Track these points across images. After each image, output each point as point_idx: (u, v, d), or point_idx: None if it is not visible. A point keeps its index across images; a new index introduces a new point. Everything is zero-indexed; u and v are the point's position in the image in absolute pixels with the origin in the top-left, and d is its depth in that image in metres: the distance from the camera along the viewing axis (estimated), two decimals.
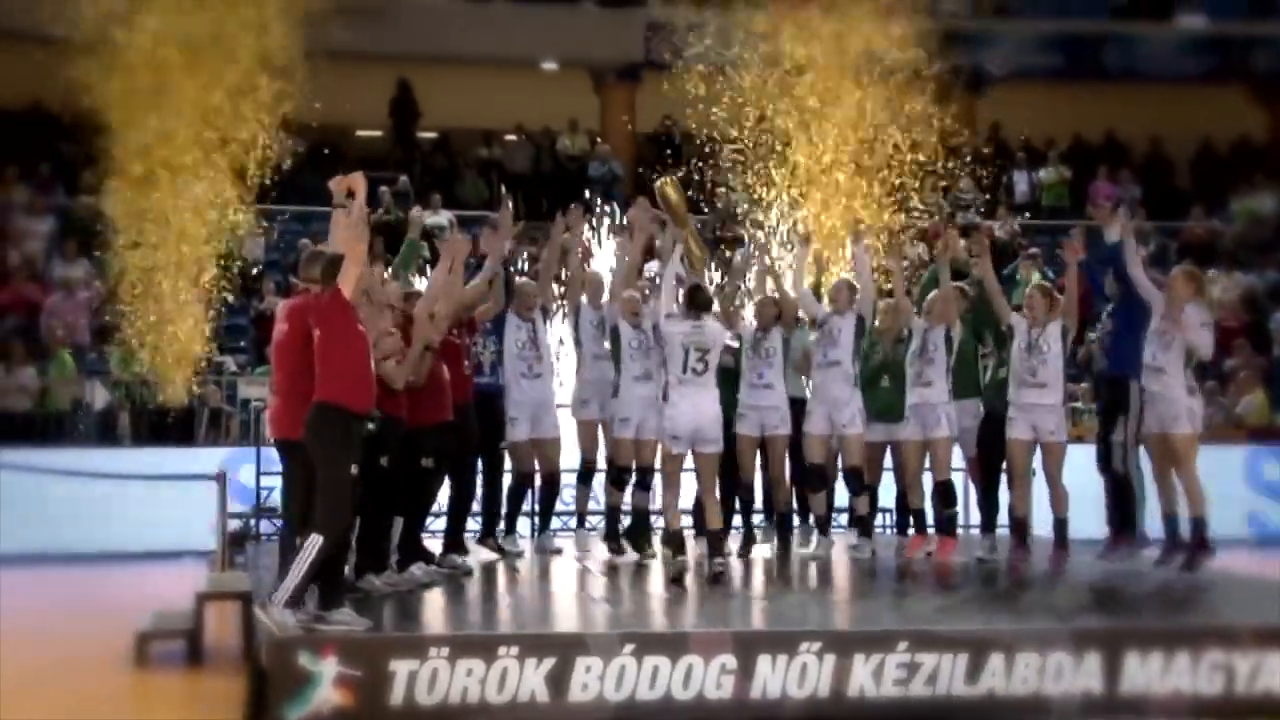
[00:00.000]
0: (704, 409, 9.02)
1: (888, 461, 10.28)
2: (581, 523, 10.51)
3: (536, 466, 10.16)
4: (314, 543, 6.84)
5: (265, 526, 11.75)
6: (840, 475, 10.32)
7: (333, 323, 7.00)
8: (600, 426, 10.16)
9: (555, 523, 10.86)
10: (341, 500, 6.97)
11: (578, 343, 10.24)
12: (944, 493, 9.94)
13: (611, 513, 10.13)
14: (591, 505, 10.67)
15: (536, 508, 10.64)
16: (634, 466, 9.82)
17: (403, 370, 8.08)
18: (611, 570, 9.56)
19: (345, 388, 6.97)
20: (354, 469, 6.97)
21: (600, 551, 10.08)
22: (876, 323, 10.15)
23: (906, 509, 10.33)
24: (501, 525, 10.22)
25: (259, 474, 11.66)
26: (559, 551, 10.33)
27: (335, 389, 6.95)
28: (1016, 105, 20.41)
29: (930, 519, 10.09)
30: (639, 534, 9.99)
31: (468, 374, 9.32)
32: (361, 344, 7.12)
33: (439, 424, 8.58)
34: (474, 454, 9.65)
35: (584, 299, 10.25)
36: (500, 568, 9.76)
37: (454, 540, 9.50)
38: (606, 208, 15.87)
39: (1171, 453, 9.14)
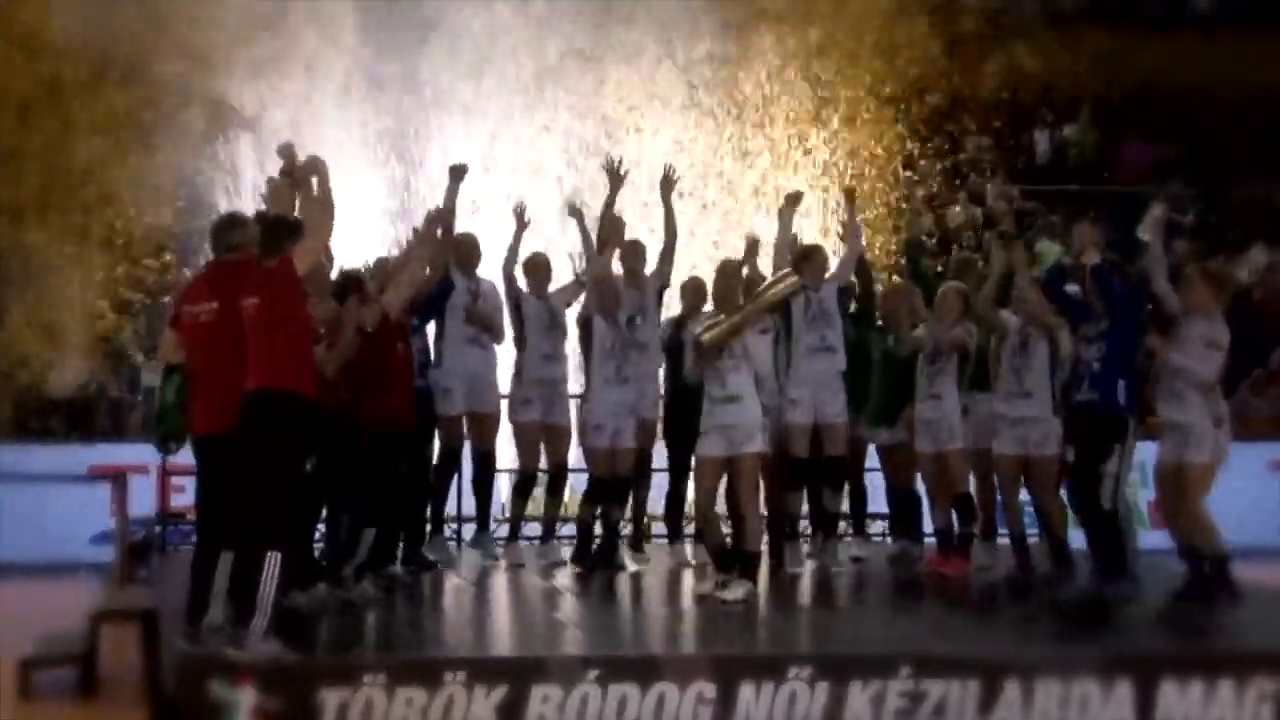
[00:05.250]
0: None
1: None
2: (515, 535, 10.59)
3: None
4: (272, 561, 6.88)
5: (172, 535, 11.73)
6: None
7: (282, 296, 7.00)
8: (543, 432, 10.27)
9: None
10: (292, 503, 7.02)
11: (519, 338, 10.29)
12: (961, 508, 10.08)
13: (585, 528, 10.21)
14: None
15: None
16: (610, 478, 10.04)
17: (334, 357, 8.11)
18: (572, 585, 9.64)
19: (294, 371, 6.99)
20: (311, 462, 7.11)
21: (534, 566, 10.25)
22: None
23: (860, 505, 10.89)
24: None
25: (165, 474, 11.63)
26: (497, 558, 10.43)
27: (281, 373, 6.96)
28: (1038, 53, 20.46)
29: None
30: (611, 551, 10.16)
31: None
32: (309, 325, 7.18)
33: (403, 428, 8.67)
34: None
35: (524, 287, 10.29)
36: (445, 583, 9.81)
37: (388, 552, 9.50)
38: None
39: (1182, 484, 8.98)
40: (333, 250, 8.94)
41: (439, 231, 9.62)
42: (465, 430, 10.34)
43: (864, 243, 10.46)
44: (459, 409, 10.15)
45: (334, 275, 8.79)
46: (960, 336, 9.91)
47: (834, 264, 10.41)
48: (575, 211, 10.65)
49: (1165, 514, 9.22)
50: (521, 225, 10.38)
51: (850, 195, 11.06)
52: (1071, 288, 9.46)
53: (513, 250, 10.33)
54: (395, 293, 8.87)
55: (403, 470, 8.83)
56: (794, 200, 10.37)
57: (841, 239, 10.84)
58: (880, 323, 10.67)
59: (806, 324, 9.93)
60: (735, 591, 8.75)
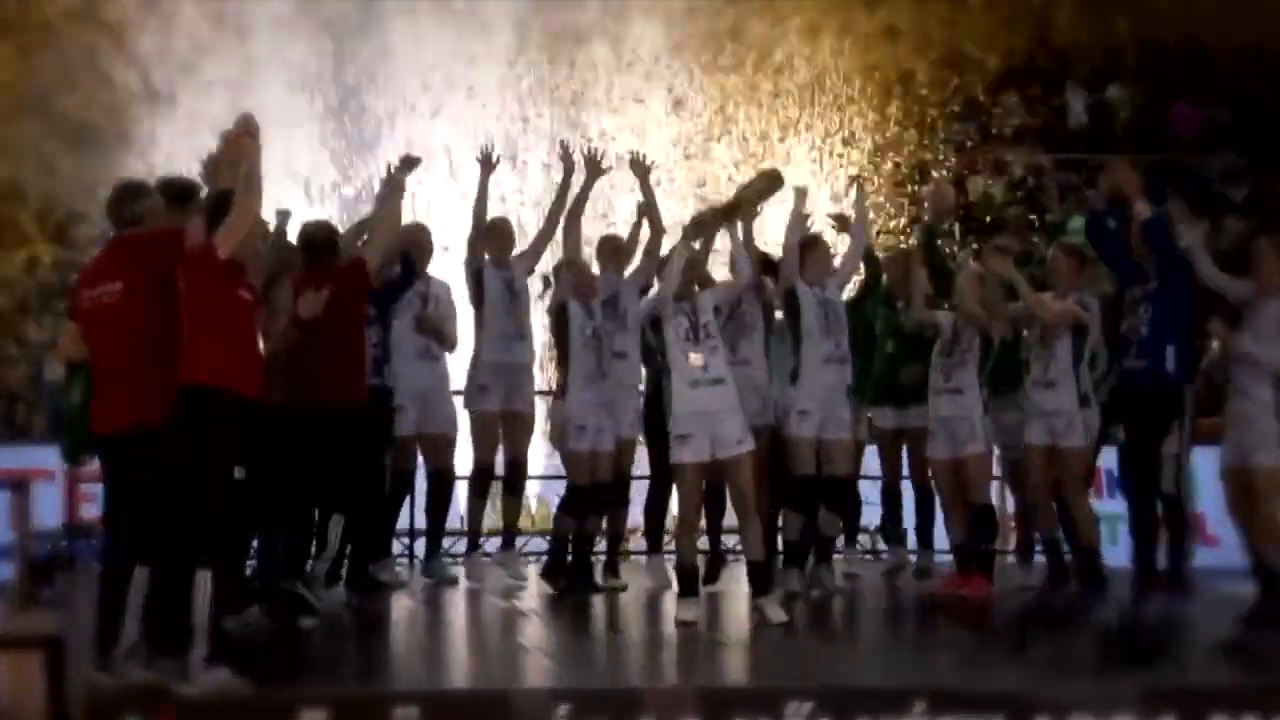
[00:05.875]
0: None
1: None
2: (474, 545, 10.57)
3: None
4: (207, 580, 6.90)
5: (82, 550, 11.67)
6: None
7: (204, 281, 7.00)
8: (503, 421, 10.29)
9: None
10: (227, 514, 7.02)
11: (478, 317, 10.29)
12: (982, 520, 10.10)
13: (560, 543, 10.20)
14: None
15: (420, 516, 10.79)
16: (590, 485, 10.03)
17: (269, 341, 8.13)
18: (540, 608, 9.66)
19: (223, 365, 6.99)
20: (238, 472, 7.03)
21: (500, 581, 10.27)
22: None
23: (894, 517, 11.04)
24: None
25: (73, 481, 11.58)
26: (454, 581, 10.43)
27: (209, 367, 6.97)
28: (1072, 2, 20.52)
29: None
30: (586, 568, 10.18)
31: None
32: (242, 311, 7.14)
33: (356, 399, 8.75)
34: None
35: (486, 254, 10.29)
36: (395, 606, 9.80)
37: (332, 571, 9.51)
38: None
39: (1252, 488, 9.09)
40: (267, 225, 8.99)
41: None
42: (418, 451, 10.37)
43: (869, 237, 10.47)
44: (411, 430, 10.16)
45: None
46: (980, 312, 9.93)
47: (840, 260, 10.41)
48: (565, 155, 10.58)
49: (1235, 518, 9.29)
50: (489, 168, 10.38)
51: (859, 185, 11.10)
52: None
53: (482, 200, 10.32)
54: (373, 250, 8.97)
55: (365, 447, 8.89)
56: (802, 196, 10.39)
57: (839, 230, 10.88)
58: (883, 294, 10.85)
59: (821, 329, 9.84)
60: (776, 611, 8.82)
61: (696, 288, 9.16)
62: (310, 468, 8.55)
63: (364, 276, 8.90)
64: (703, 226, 9.31)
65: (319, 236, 9.13)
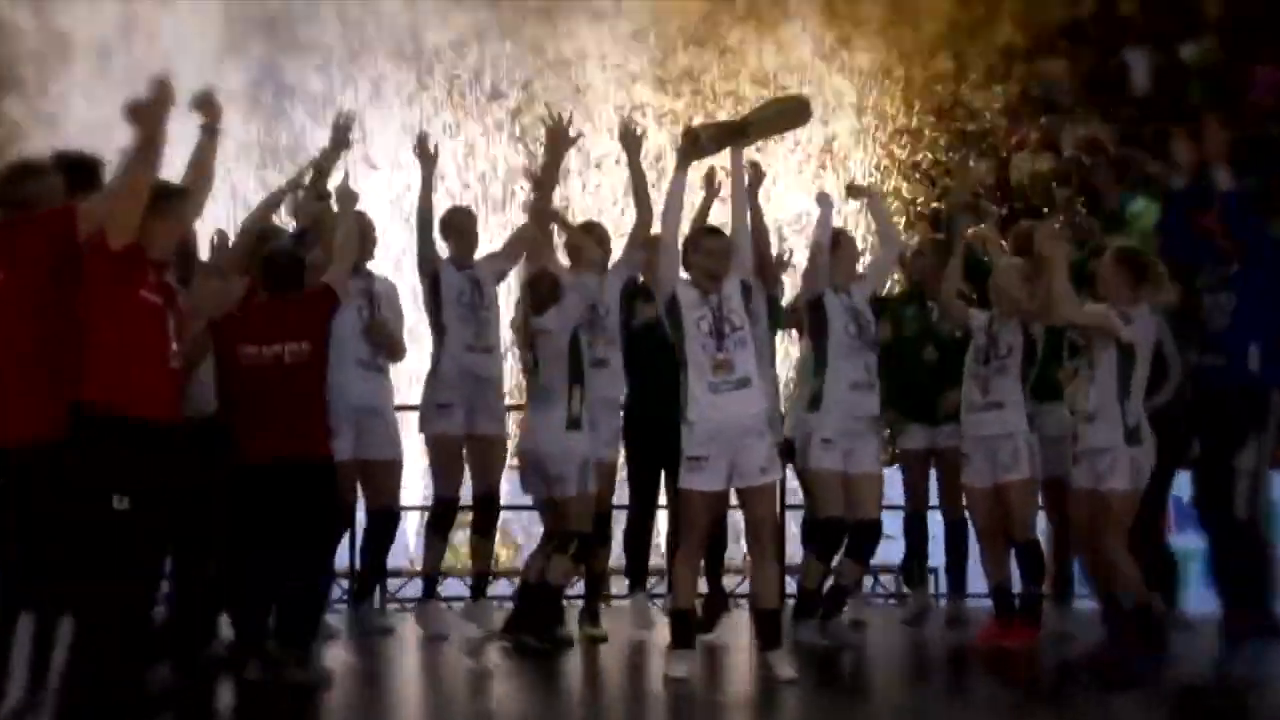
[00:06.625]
0: None
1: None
2: (431, 591, 10.46)
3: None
4: (93, 637, 6.94)
5: None
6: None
7: (97, 278, 7.02)
8: (468, 446, 10.20)
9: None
10: (110, 554, 6.98)
11: (437, 322, 10.18)
12: (1027, 558, 10.00)
13: (552, 592, 9.98)
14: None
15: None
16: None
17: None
18: (507, 665, 9.60)
19: (115, 381, 7.02)
20: (122, 502, 7.02)
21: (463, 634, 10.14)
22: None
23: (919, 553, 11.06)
24: None
25: None
26: (388, 632, 10.40)
27: (99, 382, 7.01)
28: None
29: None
30: (553, 615, 10.01)
31: None
32: (141, 315, 7.14)
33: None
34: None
35: (445, 253, 10.21)
36: (333, 662, 9.69)
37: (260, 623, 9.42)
38: None
39: None
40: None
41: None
42: (357, 482, 10.15)
43: (900, 243, 10.46)
44: (348, 455, 9.82)
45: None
46: (1023, 299, 9.78)
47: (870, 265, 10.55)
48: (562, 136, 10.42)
49: None
50: (430, 160, 10.30)
51: (856, 192, 10.99)
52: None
53: (427, 196, 10.21)
54: (339, 266, 8.87)
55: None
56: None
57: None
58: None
59: (849, 349, 9.80)
60: (786, 668, 8.72)
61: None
62: (280, 529, 8.51)
63: (335, 306, 8.79)
64: (698, 149, 9.08)
65: (286, 265, 8.95)
